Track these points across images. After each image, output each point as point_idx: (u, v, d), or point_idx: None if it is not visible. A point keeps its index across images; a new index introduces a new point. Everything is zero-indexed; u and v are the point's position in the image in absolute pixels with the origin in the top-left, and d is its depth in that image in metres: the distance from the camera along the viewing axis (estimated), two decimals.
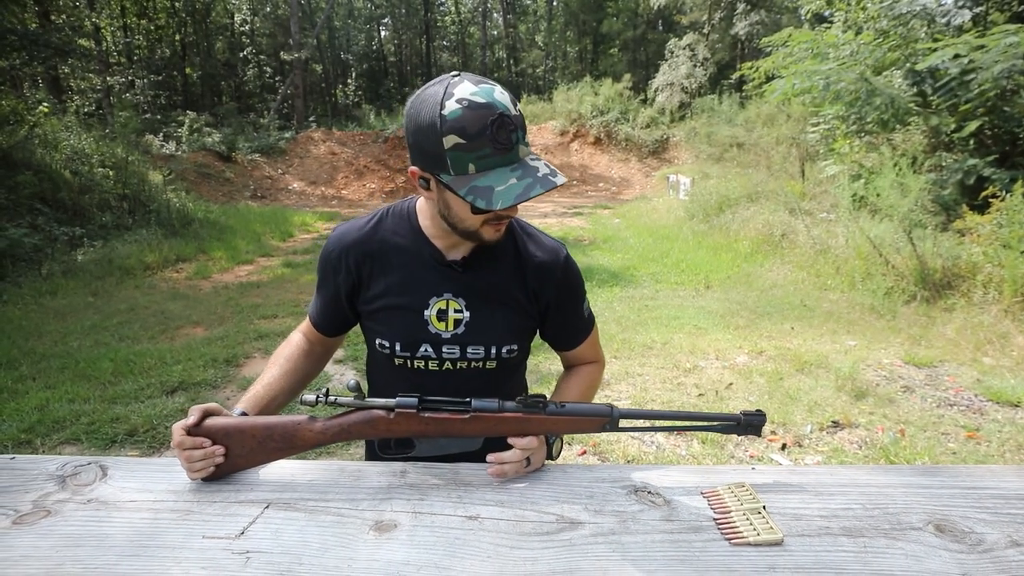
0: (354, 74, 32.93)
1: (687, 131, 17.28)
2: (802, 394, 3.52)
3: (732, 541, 0.78)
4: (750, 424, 0.94)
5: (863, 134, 7.26)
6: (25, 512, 0.85)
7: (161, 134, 15.62)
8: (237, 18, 27.36)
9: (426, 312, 1.05)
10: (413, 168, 0.95)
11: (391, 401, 0.93)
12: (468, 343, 1.05)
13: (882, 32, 7.41)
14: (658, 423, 0.98)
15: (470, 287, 1.06)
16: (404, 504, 0.87)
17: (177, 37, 24.06)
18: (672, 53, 20.90)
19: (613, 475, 0.95)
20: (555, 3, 32.02)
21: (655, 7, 23.38)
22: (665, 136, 18.54)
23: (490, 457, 0.94)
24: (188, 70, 24.41)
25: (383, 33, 34.61)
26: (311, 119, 22.94)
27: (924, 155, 6.57)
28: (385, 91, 30.25)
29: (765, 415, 0.94)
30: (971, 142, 6.06)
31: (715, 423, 0.95)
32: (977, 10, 7.14)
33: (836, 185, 7.23)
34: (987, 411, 3.29)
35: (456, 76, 0.89)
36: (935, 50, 5.94)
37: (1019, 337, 4.08)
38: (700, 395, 3.56)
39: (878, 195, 5.97)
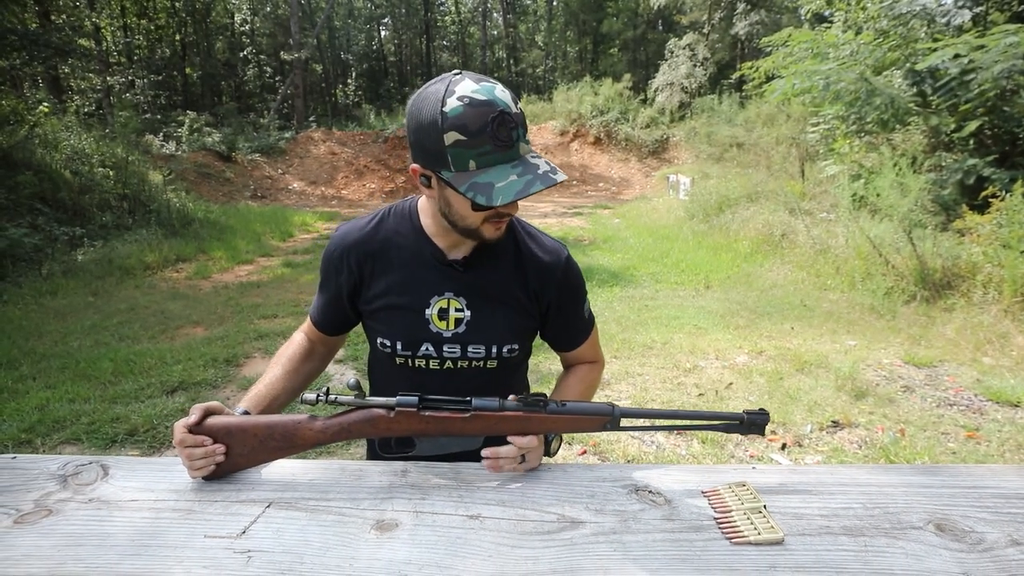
0: (354, 74, 32.93)
1: (687, 131, 17.28)
2: (802, 394, 3.52)
3: (733, 540, 0.78)
4: (753, 423, 0.92)
5: (863, 134, 7.26)
6: (27, 511, 0.85)
7: (161, 134, 15.61)
8: (237, 18, 27.36)
9: (427, 311, 1.05)
10: (414, 166, 0.95)
11: (391, 400, 0.93)
12: (469, 342, 1.06)
13: (882, 32, 7.41)
14: (660, 422, 0.98)
15: (471, 286, 1.06)
16: (405, 503, 0.87)
17: (177, 37, 24.05)
18: (672, 53, 20.90)
19: (614, 474, 0.95)
20: (555, 3, 32.02)
21: (655, 7, 23.39)
22: (665, 136, 18.55)
23: (485, 452, 0.94)
24: (188, 70, 24.41)
25: (383, 33, 34.63)
26: (311, 119, 22.95)
27: (924, 155, 6.57)
28: (385, 91, 30.25)
29: (768, 414, 0.93)
30: (971, 142, 6.06)
31: (718, 422, 0.95)
32: (977, 10, 7.14)
33: (836, 185, 7.23)
34: (987, 411, 3.30)
35: (458, 74, 0.90)
36: (935, 50, 5.94)
37: (1019, 337, 4.08)
38: (700, 395, 3.56)
39: (878, 195, 5.97)
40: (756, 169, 10.77)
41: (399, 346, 1.06)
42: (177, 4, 23.19)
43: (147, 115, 17.97)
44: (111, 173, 9.25)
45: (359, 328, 1.21)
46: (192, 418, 0.92)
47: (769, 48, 8.63)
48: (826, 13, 9.87)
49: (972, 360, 3.94)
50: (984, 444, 2.95)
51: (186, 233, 8.91)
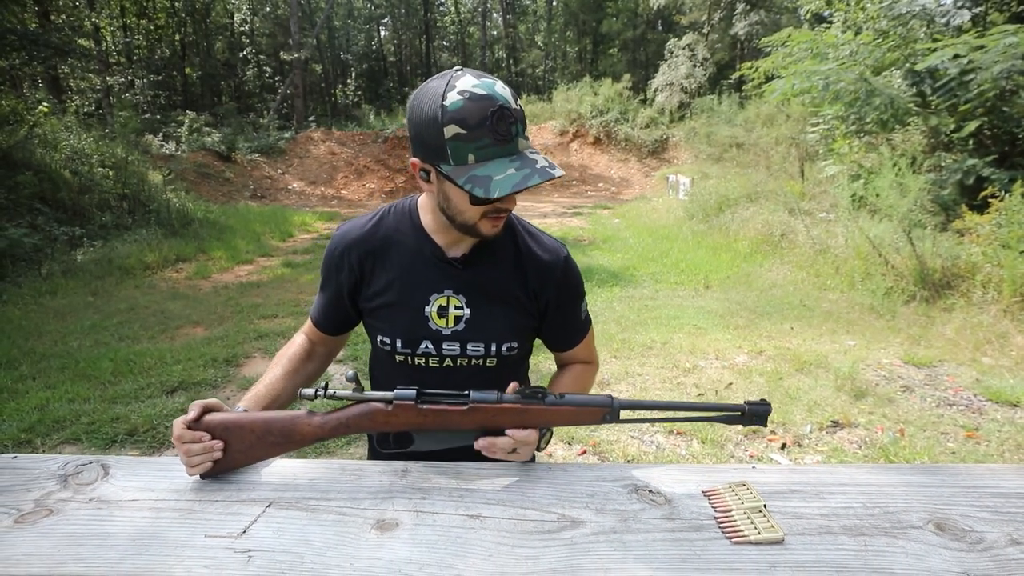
0: (354, 74, 32.93)
1: (687, 131, 17.29)
2: (802, 394, 3.52)
3: (733, 540, 0.78)
4: (755, 414, 0.90)
5: (862, 134, 7.26)
6: (27, 511, 0.85)
7: (161, 134, 15.61)
8: (237, 18, 27.35)
9: (427, 309, 1.05)
10: (414, 160, 0.96)
11: (389, 394, 0.93)
12: (468, 340, 1.06)
13: (881, 32, 7.42)
14: (660, 414, 0.97)
15: (470, 284, 1.06)
16: (406, 503, 0.87)
17: (177, 37, 24.05)
18: (672, 53, 20.90)
19: (614, 474, 0.95)
20: (555, 3, 32.02)
21: (655, 7, 23.39)
22: (665, 136, 18.55)
23: (480, 441, 0.93)
24: (188, 70, 24.40)
25: (383, 33, 34.63)
26: (311, 119, 22.94)
27: (923, 155, 6.58)
28: (385, 91, 30.24)
29: (770, 404, 0.91)
30: (970, 142, 6.07)
31: (719, 414, 0.93)
32: (976, 10, 7.15)
33: (835, 185, 7.23)
34: (986, 411, 3.30)
35: (459, 70, 0.91)
36: (934, 50, 5.95)
37: (1018, 337, 4.08)
38: (700, 395, 3.57)
39: (877, 195, 5.97)
40: (756, 169, 10.78)
41: (399, 344, 1.07)
42: (177, 4, 23.18)
43: (147, 115, 17.98)
44: (111, 173, 9.25)
45: (359, 328, 1.21)
46: (191, 414, 0.92)
47: (769, 48, 8.64)
48: (825, 13, 9.88)
49: (971, 360, 3.95)
50: (983, 444, 2.95)
51: (186, 233, 8.91)
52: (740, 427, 3.15)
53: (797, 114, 10.24)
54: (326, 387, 0.94)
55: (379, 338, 1.09)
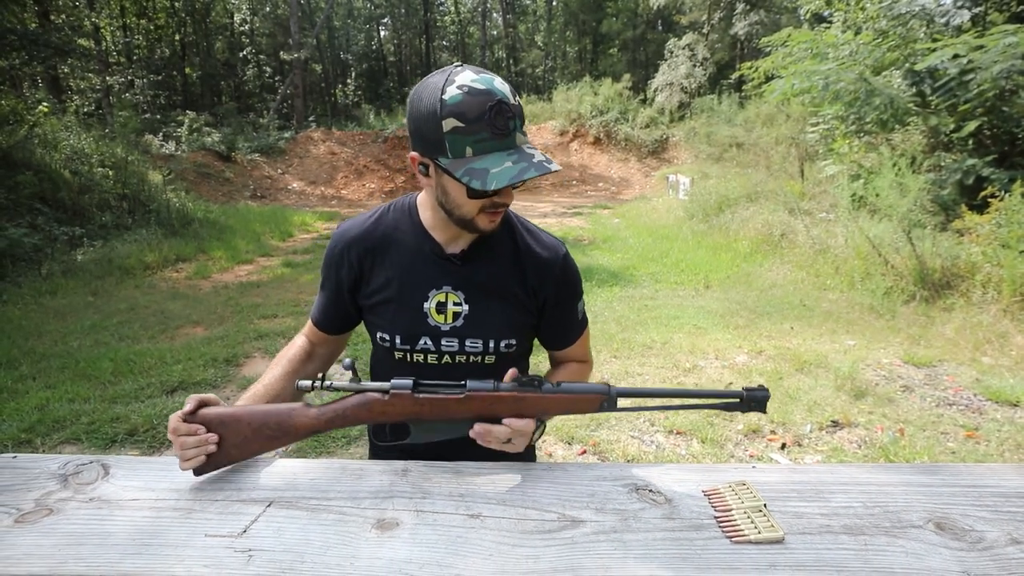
0: (354, 74, 32.92)
1: (686, 131, 17.29)
2: (801, 394, 3.52)
3: (733, 539, 0.78)
4: (753, 399, 0.90)
5: (862, 134, 7.26)
6: (28, 511, 0.85)
7: (161, 134, 15.61)
8: (237, 18, 27.35)
9: (426, 304, 1.06)
10: (413, 154, 0.97)
11: (385, 384, 0.93)
12: (467, 336, 1.06)
13: (881, 32, 7.42)
14: (658, 402, 0.97)
15: (469, 280, 1.07)
16: (406, 502, 0.87)
17: (177, 37, 24.05)
18: (671, 53, 20.90)
19: (614, 473, 0.95)
20: (555, 3, 32.02)
21: (655, 7, 23.39)
22: (664, 136, 18.55)
23: (476, 427, 0.92)
24: (188, 70, 24.40)
25: (383, 33, 34.62)
26: (311, 119, 22.94)
27: (923, 155, 6.58)
28: (385, 91, 30.24)
29: (768, 390, 0.90)
30: (970, 142, 6.07)
31: (717, 400, 0.92)
32: (976, 10, 7.15)
33: (835, 185, 7.23)
34: (986, 410, 3.30)
35: (459, 66, 0.92)
36: (934, 50, 5.95)
37: (1018, 337, 4.09)
38: (700, 398, 3.56)
39: (877, 195, 5.97)
40: (755, 169, 10.78)
41: (398, 340, 1.07)
42: (177, 4, 23.18)
43: (147, 115, 17.98)
44: (111, 173, 9.25)
45: (360, 328, 1.21)
46: (187, 407, 0.92)
47: (768, 48, 8.64)
48: (825, 13, 9.88)
49: (971, 360, 3.95)
50: (983, 443, 2.95)
51: (186, 233, 8.91)
52: (740, 427, 3.16)
53: (797, 114, 10.24)
54: (323, 378, 0.94)
55: (378, 335, 1.10)
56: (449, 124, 0.88)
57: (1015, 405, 3.33)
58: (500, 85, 0.90)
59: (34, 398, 3.54)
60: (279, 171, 17.22)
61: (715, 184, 10.47)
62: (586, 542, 0.78)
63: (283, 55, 23.71)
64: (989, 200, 5.12)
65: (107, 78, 18.51)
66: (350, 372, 0.94)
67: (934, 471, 0.95)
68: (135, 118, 14.10)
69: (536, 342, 1.22)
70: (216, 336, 4.77)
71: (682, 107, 19.56)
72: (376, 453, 1.24)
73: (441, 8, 35.00)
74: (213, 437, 0.92)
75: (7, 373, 3.96)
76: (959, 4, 6.96)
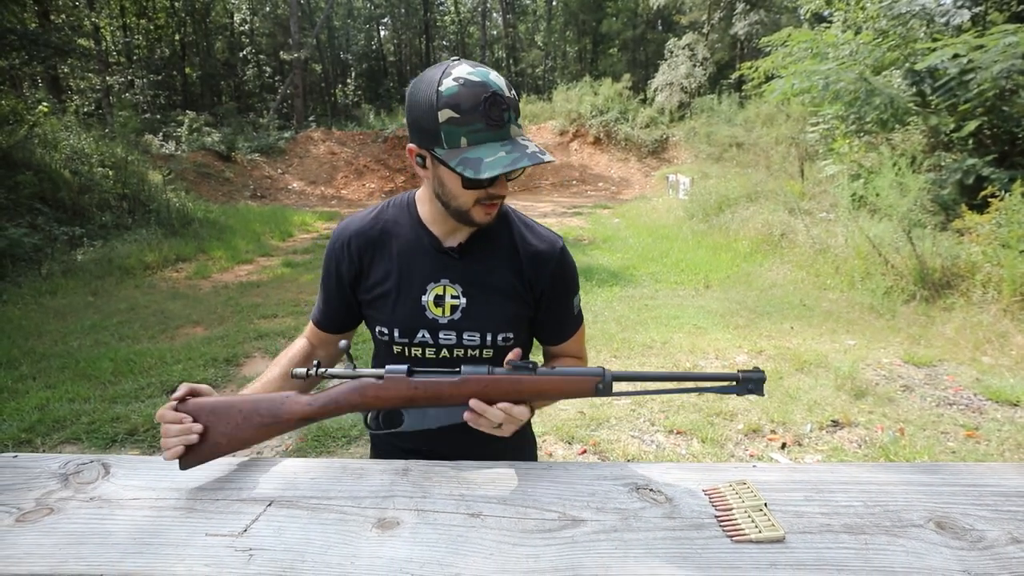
0: (354, 74, 32.92)
1: (686, 131, 17.29)
2: (802, 393, 3.52)
3: (734, 538, 0.78)
4: (749, 380, 0.89)
5: (862, 134, 7.26)
6: (28, 510, 0.85)
7: (161, 134, 15.61)
8: (236, 18, 27.34)
9: (424, 298, 1.07)
10: (411, 146, 0.99)
11: (380, 370, 0.93)
12: (464, 329, 1.07)
13: (881, 32, 7.42)
14: (654, 385, 0.96)
15: (467, 273, 1.08)
16: (407, 502, 0.87)
17: (177, 37, 24.04)
18: (671, 53, 20.90)
19: (615, 473, 0.95)
20: (554, 3, 32.01)
21: (654, 7, 23.39)
22: (664, 136, 18.54)
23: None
24: (188, 70, 24.39)
25: (383, 33, 34.60)
26: (311, 119, 22.94)
27: (923, 155, 6.58)
28: (385, 91, 30.23)
29: (764, 372, 0.90)
30: (970, 142, 6.07)
31: (713, 383, 0.91)
32: (976, 10, 7.15)
33: (835, 185, 7.23)
34: (986, 410, 3.30)
35: (455, 60, 0.94)
36: (934, 50, 5.95)
37: (1018, 336, 4.08)
38: (700, 394, 3.57)
39: (877, 195, 5.97)
40: (756, 169, 10.78)
41: (396, 333, 1.08)
42: (176, 4, 23.17)
43: (147, 115, 17.98)
44: (111, 173, 9.25)
45: (360, 328, 1.22)
46: (177, 392, 0.92)
47: (768, 48, 8.64)
48: (825, 13, 9.88)
49: (971, 359, 3.95)
50: (983, 443, 2.95)
51: (186, 233, 8.91)
52: (740, 427, 3.16)
53: (797, 114, 10.24)
54: (318, 365, 0.94)
55: (377, 328, 1.11)
56: (444, 115, 0.90)
57: (1015, 405, 3.33)
58: (495, 78, 0.91)
59: (34, 398, 3.54)
60: (279, 171, 17.22)
61: (715, 184, 10.47)
62: (587, 541, 0.78)
63: (283, 55, 23.71)
64: (989, 200, 5.12)
65: (107, 78, 18.51)
66: (345, 355, 0.94)
67: (934, 470, 0.95)
68: (135, 118, 14.10)
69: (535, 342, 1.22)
70: (216, 336, 4.77)
71: (682, 107, 19.56)
72: (377, 453, 1.24)
73: (441, 8, 34.99)
74: (197, 427, 0.90)
75: (7, 373, 3.96)
76: (959, 4, 6.96)
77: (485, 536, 0.79)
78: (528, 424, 1.30)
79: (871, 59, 7.06)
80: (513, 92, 0.94)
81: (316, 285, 1.22)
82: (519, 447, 1.27)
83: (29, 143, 8.39)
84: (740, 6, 20.18)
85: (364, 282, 1.11)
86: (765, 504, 0.84)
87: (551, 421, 3.22)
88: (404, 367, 0.93)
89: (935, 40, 6.28)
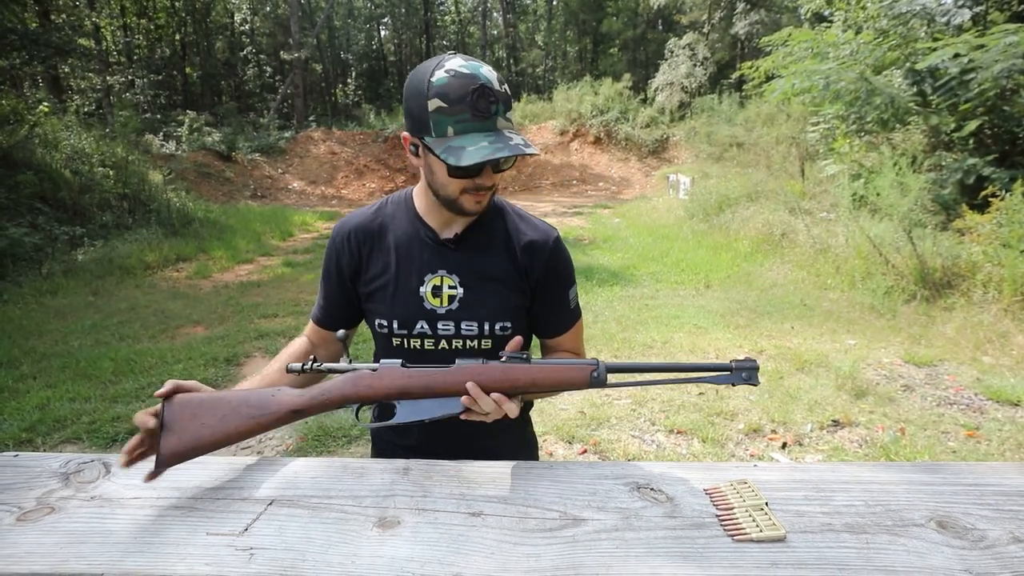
0: (354, 74, 32.92)
1: (687, 131, 17.29)
2: (802, 393, 3.52)
3: (735, 537, 0.78)
4: (743, 369, 0.89)
5: (863, 133, 7.26)
6: (29, 509, 0.85)
7: (161, 134, 15.62)
8: (237, 17, 27.35)
9: (422, 289, 1.09)
10: (405, 134, 1.01)
11: (374, 364, 0.93)
12: (462, 319, 1.08)
13: (882, 31, 7.41)
14: (649, 376, 0.96)
15: (463, 264, 1.09)
16: (407, 501, 0.87)
17: (177, 37, 24.05)
18: (672, 53, 20.90)
19: (615, 472, 0.95)
20: (555, 3, 32.00)
21: (655, 7, 23.39)
22: (665, 136, 18.54)
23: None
24: (188, 70, 24.40)
25: (383, 33, 34.60)
26: (311, 119, 22.94)
27: (924, 154, 6.58)
28: (385, 91, 30.23)
29: (757, 362, 0.90)
30: (971, 141, 6.06)
31: (708, 374, 0.91)
32: (977, 9, 7.14)
33: (836, 184, 7.23)
34: (987, 410, 3.30)
35: (451, 53, 0.97)
36: (935, 49, 5.94)
37: (1019, 336, 4.08)
38: (700, 394, 3.57)
39: (878, 194, 5.97)
40: (756, 169, 10.78)
41: (395, 325, 1.09)
42: (177, 4, 23.18)
43: (147, 115, 17.99)
44: (111, 173, 9.26)
45: (360, 328, 1.22)
46: (162, 389, 0.89)
47: (769, 48, 8.64)
48: (826, 13, 9.87)
49: (972, 359, 3.95)
50: (984, 443, 2.95)
51: (186, 233, 8.92)
52: (741, 427, 3.16)
53: (797, 113, 10.24)
54: (314, 360, 0.94)
55: (377, 321, 1.12)
56: (433, 104, 0.93)
57: (1016, 404, 3.33)
58: (487, 72, 0.94)
59: (35, 397, 3.54)
60: (279, 171, 17.22)
61: (715, 184, 10.47)
62: (587, 540, 0.78)
63: (283, 55, 23.71)
64: (990, 199, 5.12)
65: (107, 78, 18.52)
66: (342, 344, 0.95)
67: (936, 469, 0.95)
68: (135, 118, 14.11)
69: (536, 341, 1.22)
70: (216, 336, 4.77)
71: (682, 107, 19.56)
72: (378, 452, 1.25)
73: (441, 8, 34.98)
74: (152, 414, 0.87)
75: (8, 372, 3.96)
76: (960, 3, 6.96)
77: (486, 535, 0.79)
78: (529, 424, 1.30)
79: (872, 59, 7.06)
80: (505, 87, 0.96)
81: (316, 285, 1.23)
82: (519, 447, 1.27)
83: (30, 143, 8.39)
84: (740, 6, 20.17)
85: (363, 275, 1.13)
86: (766, 503, 0.84)
87: (551, 421, 3.22)
88: (398, 360, 0.93)
89: (936, 40, 6.28)
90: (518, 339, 0.94)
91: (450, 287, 1.08)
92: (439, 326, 1.08)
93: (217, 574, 0.73)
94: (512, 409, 0.90)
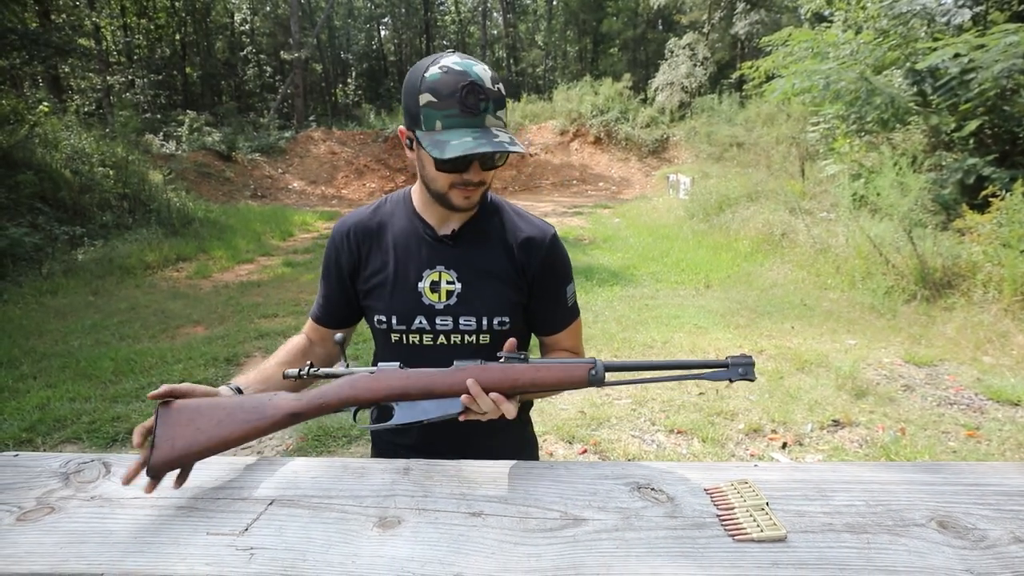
0: (354, 73, 32.91)
1: (687, 130, 17.28)
2: (802, 393, 3.52)
3: (736, 537, 0.78)
4: (739, 365, 0.90)
5: (863, 133, 7.25)
6: (29, 509, 0.85)
7: (161, 133, 15.62)
8: (237, 17, 27.34)
9: (420, 284, 1.10)
10: (401, 127, 1.04)
11: (372, 368, 0.93)
12: (460, 314, 1.09)
13: (882, 31, 7.41)
14: (647, 374, 0.96)
15: (461, 259, 1.11)
16: (408, 501, 0.87)
17: (177, 36, 24.05)
18: (672, 52, 20.90)
19: (616, 472, 0.95)
20: (555, 2, 31.99)
21: (655, 6, 23.38)
22: (665, 135, 18.53)
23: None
24: (188, 69, 24.40)
25: (383, 32, 34.60)
26: (311, 118, 22.94)
27: (924, 154, 6.57)
28: (385, 91, 30.22)
29: (753, 357, 0.91)
30: (971, 141, 6.06)
31: (705, 370, 0.91)
32: (977, 9, 7.14)
33: (836, 184, 7.23)
34: (987, 410, 3.30)
35: (450, 52, 0.99)
36: (935, 49, 5.94)
37: (1019, 336, 4.08)
38: (700, 394, 3.56)
39: (878, 194, 5.97)
40: (756, 169, 10.77)
41: (394, 320, 1.10)
42: (177, 4, 23.18)
43: (147, 115, 17.99)
44: (111, 173, 9.25)
45: (360, 327, 1.22)
46: (157, 391, 0.89)
47: (769, 48, 8.63)
48: (826, 13, 9.86)
49: (972, 359, 3.95)
50: (984, 443, 2.95)
51: (186, 232, 8.91)
52: (741, 427, 3.16)
53: (798, 113, 10.24)
54: (311, 365, 0.95)
55: (376, 317, 1.12)
56: (425, 98, 0.95)
57: (1016, 404, 3.33)
58: (480, 70, 0.96)
59: (35, 397, 3.54)
60: (279, 171, 17.22)
61: (716, 184, 10.47)
62: (588, 540, 0.78)
63: (283, 55, 23.70)
64: (990, 199, 5.12)
65: (107, 78, 18.52)
66: (340, 347, 0.95)
67: (936, 469, 0.95)
68: (135, 118, 14.12)
69: (535, 341, 1.22)
70: (217, 335, 4.77)
71: (682, 107, 19.56)
72: (378, 452, 1.24)
73: (441, 8, 34.97)
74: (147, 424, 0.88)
75: (8, 372, 3.96)
76: (960, 3, 6.95)
77: (487, 535, 0.79)
78: (529, 424, 1.30)
79: (872, 59, 7.06)
80: (499, 87, 0.98)
81: (316, 285, 1.24)
82: (520, 447, 1.27)
83: (30, 143, 8.39)
84: (740, 6, 20.17)
85: (363, 272, 1.15)
86: (767, 503, 0.84)
87: (551, 421, 3.22)
88: (396, 363, 0.93)
89: (936, 40, 6.27)
90: (512, 341, 0.94)
91: (448, 283, 1.10)
92: (437, 321, 1.09)
93: (217, 574, 0.73)
94: (510, 410, 0.90)
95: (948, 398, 3.44)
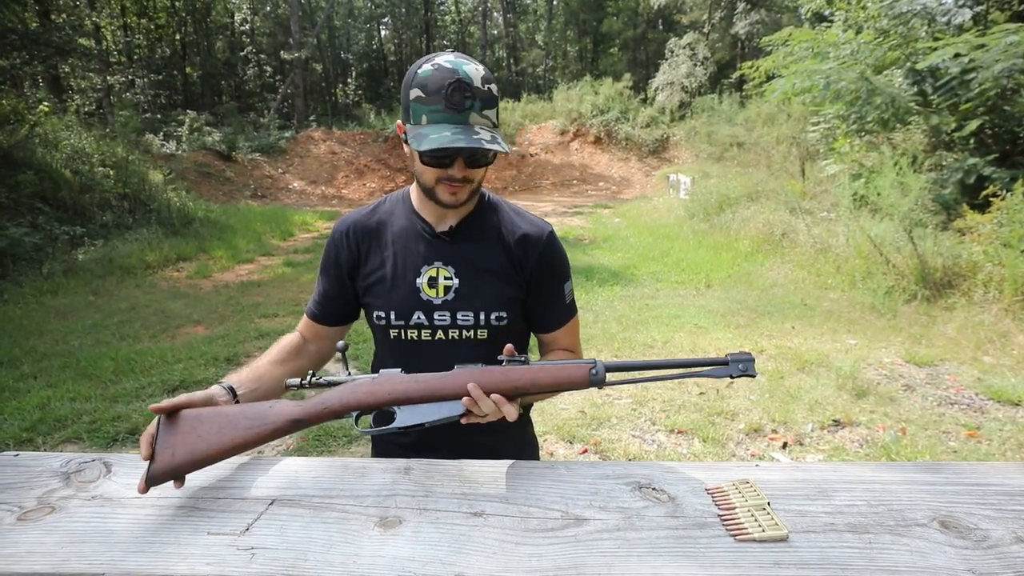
0: (354, 73, 32.91)
1: (687, 130, 17.28)
2: (803, 393, 3.52)
3: (737, 537, 0.78)
4: (739, 361, 0.90)
5: (863, 133, 7.25)
6: (30, 508, 0.85)
7: (161, 133, 15.62)
8: (237, 17, 27.34)
9: (418, 280, 1.11)
10: (398, 122, 1.07)
11: (374, 375, 0.93)
12: (458, 309, 1.10)
13: (882, 31, 7.41)
14: (648, 373, 0.96)
15: (458, 255, 1.12)
16: (409, 501, 0.86)
17: (177, 36, 24.05)
18: (672, 52, 20.89)
19: (617, 472, 0.95)
20: (555, 2, 31.99)
21: (655, 6, 23.38)
22: (665, 135, 18.53)
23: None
24: (188, 69, 24.40)
25: (383, 32, 34.60)
26: (311, 118, 22.94)
27: (924, 154, 6.57)
28: (385, 90, 30.21)
29: (752, 354, 0.91)
30: (971, 141, 6.06)
31: (705, 368, 0.91)
32: (977, 9, 7.13)
33: (836, 184, 7.23)
34: (988, 410, 3.30)
35: (448, 51, 1.02)
36: (935, 49, 5.94)
37: (1019, 336, 4.08)
38: (701, 394, 3.56)
39: (878, 194, 5.97)
40: (756, 168, 10.77)
41: (393, 316, 1.11)
42: (177, 3, 23.18)
43: (147, 114, 17.99)
44: (111, 172, 9.25)
45: (358, 326, 1.22)
46: (161, 403, 0.90)
47: (769, 47, 8.63)
48: (826, 12, 9.86)
49: (973, 359, 3.94)
50: (985, 443, 2.95)
51: (186, 232, 8.91)
52: (741, 427, 3.15)
53: (798, 113, 10.24)
54: (313, 374, 0.94)
55: (375, 314, 1.14)
56: (414, 93, 0.99)
57: (1017, 404, 3.32)
58: (470, 70, 0.98)
59: (35, 397, 3.54)
60: (280, 171, 17.22)
61: (716, 183, 10.47)
62: (589, 540, 0.78)
63: (283, 54, 23.70)
64: (990, 199, 5.12)
65: (108, 77, 18.53)
66: (341, 355, 0.96)
67: (938, 469, 0.95)
68: (136, 118, 14.12)
69: (535, 341, 1.22)
70: (217, 335, 4.77)
71: (683, 106, 19.56)
72: (379, 452, 1.24)
73: (442, 7, 34.97)
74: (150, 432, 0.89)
75: (8, 372, 3.96)
76: (960, 3, 6.95)
77: (488, 535, 0.79)
78: (529, 425, 1.30)
79: (872, 58, 7.06)
80: (490, 87, 0.99)
81: (316, 282, 1.23)
82: (520, 448, 1.27)
83: (30, 143, 8.39)
84: (741, 5, 20.17)
85: (362, 269, 1.16)
86: (768, 503, 0.84)
87: (552, 420, 3.22)
88: (398, 369, 0.94)
89: (936, 39, 6.27)
90: (510, 347, 0.94)
91: (446, 278, 1.11)
92: (436, 316, 1.11)
93: (219, 574, 0.72)
94: (511, 412, 0.90)
95: (949, 398, 3.44)
